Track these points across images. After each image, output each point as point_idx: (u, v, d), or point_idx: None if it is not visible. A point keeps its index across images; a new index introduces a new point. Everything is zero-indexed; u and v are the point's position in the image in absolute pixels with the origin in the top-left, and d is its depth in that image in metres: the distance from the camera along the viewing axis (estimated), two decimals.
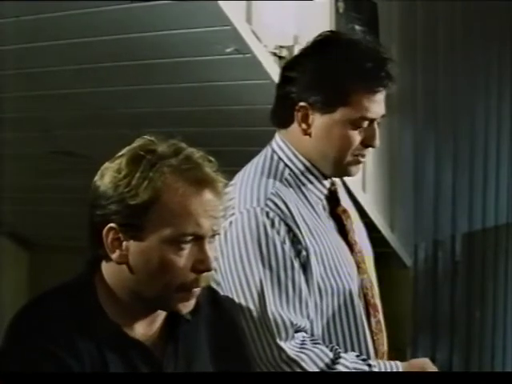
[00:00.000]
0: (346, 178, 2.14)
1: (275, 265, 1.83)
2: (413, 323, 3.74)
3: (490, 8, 4.46)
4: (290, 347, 1.81)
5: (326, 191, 1.98)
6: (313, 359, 1.82)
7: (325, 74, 1.89)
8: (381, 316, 2.01)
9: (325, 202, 1.98)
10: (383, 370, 1.89)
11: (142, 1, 2.39)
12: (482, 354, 4.66)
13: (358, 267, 1.97)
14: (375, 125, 1.91)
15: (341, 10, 3.00)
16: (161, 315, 1.56)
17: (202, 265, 1.49)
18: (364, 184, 3.30)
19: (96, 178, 1.51)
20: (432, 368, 1.93)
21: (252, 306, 1.82)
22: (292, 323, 1.82)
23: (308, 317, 1.86)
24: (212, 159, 1.52)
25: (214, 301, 1.68)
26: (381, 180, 3.45)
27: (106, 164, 1.52)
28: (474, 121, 4.49)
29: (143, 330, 1.53)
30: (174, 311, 1.53)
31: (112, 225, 1.47)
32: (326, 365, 1.83)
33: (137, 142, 1.53)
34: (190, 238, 1.47)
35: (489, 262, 4.75)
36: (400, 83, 3.48)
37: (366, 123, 1.90)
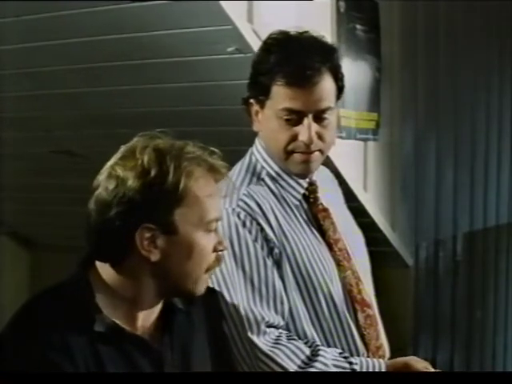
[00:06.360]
0: (347, 178, 2.14)
1: (248, 263, 1.87)
2: (414, 323, 3.74)
3: (491, 8, 4.46)
4: (262, 342, 1.84)
5: (303, 191, 2.00)
6: (288, 355, 1.84)
7: (255, 68, 1.95)
8: (372, 311, 2.02)
9: (303, 201, 2.00)
10: (365, 368, 1.90)
11: (141, 1, 2.39)
12: (482, 354, 4.66)
13: (339, 265, 1.99)
14: (308, 119, 1.90)
15: (342, 10, 3.00)
16: (157, 307, 1.57)
17: (221, 245, 1.57)
18: (365, 183, 3.30)
19: (109, 183, 1.47)
20: (415, 366, 1.93)
21: (228, 303, 1.85)
22: (263, 318, 1.84)
23: (283, 314, 1.88)
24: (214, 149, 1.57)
25: (207, 293, 1.69)
26: (382, 179, 3.44)
27: (119, 170, 1.48)
28: (475, 120, 4.48)
29: (141, 322, 1.54)
30: (192, 295, 1.56)
31: (146, 225, 1.47)
32: (303, 361, 1.84)
33: (147, 139, 1.52)
34: (215, 222, 1.55)
35: (490, 262, 4.75)
36: (401, 82, 3.51)
37: (293, 117, 1.90)
